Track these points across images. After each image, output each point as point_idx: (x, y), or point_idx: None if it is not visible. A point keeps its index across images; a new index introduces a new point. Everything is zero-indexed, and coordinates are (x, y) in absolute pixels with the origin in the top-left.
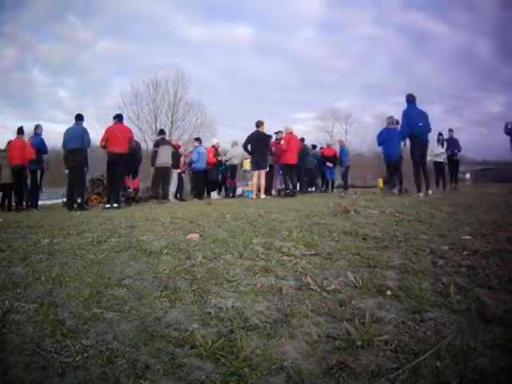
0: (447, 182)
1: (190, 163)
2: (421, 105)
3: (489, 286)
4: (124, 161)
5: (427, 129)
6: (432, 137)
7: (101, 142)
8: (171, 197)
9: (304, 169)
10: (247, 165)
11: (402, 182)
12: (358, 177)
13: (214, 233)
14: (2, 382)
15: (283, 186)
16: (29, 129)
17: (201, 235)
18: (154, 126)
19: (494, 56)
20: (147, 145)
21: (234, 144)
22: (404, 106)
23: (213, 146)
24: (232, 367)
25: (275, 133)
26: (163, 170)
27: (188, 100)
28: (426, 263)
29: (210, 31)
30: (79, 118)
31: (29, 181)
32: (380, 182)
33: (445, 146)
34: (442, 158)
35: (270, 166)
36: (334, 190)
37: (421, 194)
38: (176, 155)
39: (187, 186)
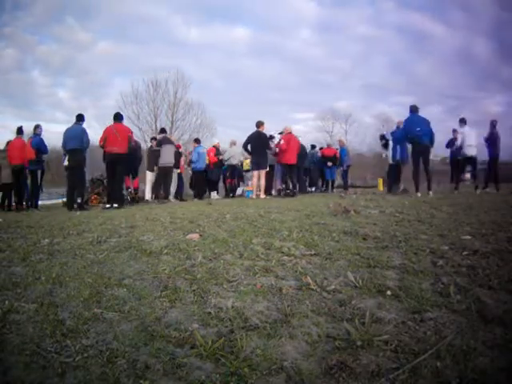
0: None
1: (190, 163)
2: (420, 105)
3: (489, 285)
4: (123, 160)
5: (426, 133)
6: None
7: (99, 141)
8: (171, 197)
9: (303, 169)
10: (247, 165)
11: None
12: (358, 177)
13: (214, 233)
14: (2, 382)
15: (283, 186)
16: (29, 129)
17: (201, 235)
18: (154, 126)
19: (493, 56)
20: (147, 145)
21: (233, 144)
22: (403, 105)
23: (214, 146)
24: (232, 367)
25: (279, 133)
26: (166, 170)
27: (188, 100)
28: (426, 263)
29: (208, 33)
30: (80, 118)
31: (29, 181)
32: (380, 182)
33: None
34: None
35: (271, 166)
36: (334, 190)
37: (419, 194)
38: (177, 155)
39: (186, 186)
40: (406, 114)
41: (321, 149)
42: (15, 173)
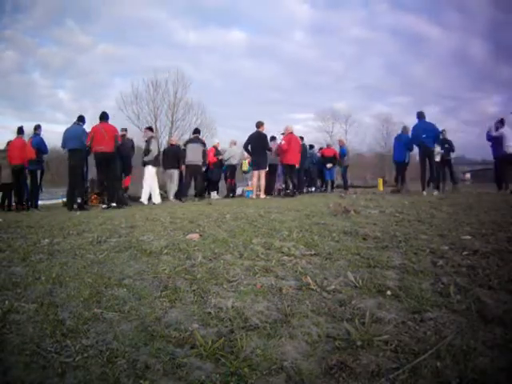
0: (445, 182)
1: None
2: (417, 105)
3: (489, 285)
4: (111, 159)
5: (431, 137)
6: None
7: (86, 141)
8: (171, 197)
9: (303, 169)
10: (246, 166)
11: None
12: (358, 177)
13: (214, 233)
14: (2, 382)
15: (283, 186)
16: (29, 129)
17: (201, 235)
18: (154, 126)
19: (489, 57)
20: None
21: (232, 144)
22: (401, 105)
23: (213, 146)
24: (232, 367)
25: (282, 134)
26: (192, 168)
27: (188, 100)
28: (426, 263)
29: (205, 35)
30: (81, 119)
31: (29, 181)
32: (380, 182)
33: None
34: (438, 158)
35: (271, 166)
36: (334, 190)
37: (424, 193)
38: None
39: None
40: (405, 114)
41: (320, 149)
42: (15, 173)
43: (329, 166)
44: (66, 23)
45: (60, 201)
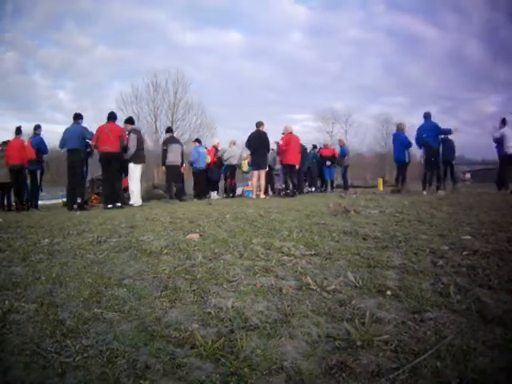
0: (445, 181)
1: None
2: (413, 105)
3: (489, 285)
4: (116, 159)
5: (433, 138)
6: None
7: (92, 141)
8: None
9: (303, 169)
10: (245, 166)
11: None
12: (358, 177)
13: (214, 233)
14: (2, 382)
15: (283, 186)
16: (29, 130)
17: (201, 235)
18: (153, 126)
19: (486, 57)
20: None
21: (232, 144)
22: (402, 106)
23: (213, 146)
24: (232, 367)
25: (282, 133)
26: (174, 169)
27: (188, 100)
28: (426, 263)
29: (204, 37)
30: (77, 116)
31: (29, 181)
32: (380, 182)
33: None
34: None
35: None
36: (334, 190)
37: (424, 193)
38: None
39: (187, 186)
40: (404, 114)
41: (319, 149)
42: (14, 173)
43: (328, 163)
44: (65, 25)
45: (60, 201)
